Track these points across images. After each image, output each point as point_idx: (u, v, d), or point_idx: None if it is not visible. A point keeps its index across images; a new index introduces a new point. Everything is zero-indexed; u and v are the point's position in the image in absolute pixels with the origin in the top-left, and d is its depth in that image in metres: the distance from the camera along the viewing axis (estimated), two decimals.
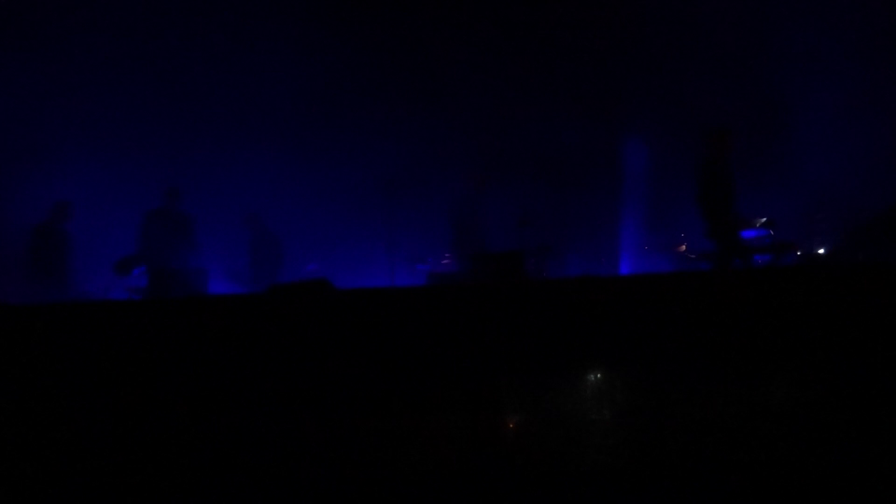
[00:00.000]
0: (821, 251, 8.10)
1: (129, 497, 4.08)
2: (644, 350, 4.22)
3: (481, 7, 9.90)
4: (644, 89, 9.78)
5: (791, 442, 4.03)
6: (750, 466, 4.01)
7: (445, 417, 4.15)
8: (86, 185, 8.87)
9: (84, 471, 4.11)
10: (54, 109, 9.19)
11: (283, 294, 5.35)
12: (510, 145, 10.06)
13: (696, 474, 4.02)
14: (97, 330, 4.41)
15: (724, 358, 4.18)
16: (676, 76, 9.60)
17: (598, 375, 4.21)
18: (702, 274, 7.04)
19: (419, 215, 9.62)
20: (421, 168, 9.72)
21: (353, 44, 9.70)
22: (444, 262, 9.29)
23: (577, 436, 4.13)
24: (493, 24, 9.87)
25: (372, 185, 9.56)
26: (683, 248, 8.71)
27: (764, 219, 8.17)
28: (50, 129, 9.18)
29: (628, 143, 9.80)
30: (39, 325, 4.44)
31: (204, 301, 5.70)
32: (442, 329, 4.32)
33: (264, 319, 4.46)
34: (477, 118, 9.98)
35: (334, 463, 4.12)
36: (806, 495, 3.94)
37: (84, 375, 4.27)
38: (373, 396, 4.21)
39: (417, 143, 9.70)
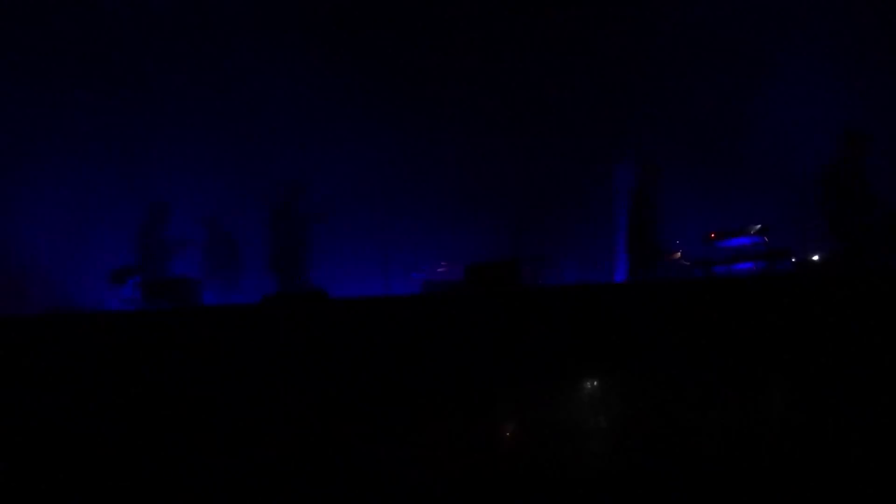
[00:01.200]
0: (815, 258, 8.10)
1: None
2: (641, 357, 4.22)
3: (475, 21, 9.93)
4: (638, 97, 9.80)
5: (788, 447, 4.03)
6: (747, 472, 4.00)
7: (442, 425, 4.14)
8: (80, 195, 8.85)
9: (79, 476, 4.08)
10: (39, 117, 9.11)
11: (278, 304, 5.34)
12: (505, 153, 10.07)
13: (694, 480, 4.01)
14: (92, 340, 4.39)
15: (721, 364, 4.18)
16: (669, 84, 9.63)
17: (595, 383, 4.20)
18: (698, 281, 7.04)
19: (414, 224, 9.62)
20: (417, 177, 9.72)
21: (352, 53, 9.72)
22: (440, 270, 9.28)
23: (573, 443, 4.12)
24: (486, 37, 9.89)
25: (367, 193, 9.57)
26: (678, 255, 8.71)
27: (758, 226, 8.17)
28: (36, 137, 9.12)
29: (623, 151, 9.82)
30: (35, 335, 4.42)
31: (198, 311, 5.68)
32: (438, 338, 4.32)
33: (260, 329, 4.45)
34: (473, 126, 9.99)
35: (331, 470, 4.11)
36: (804, 500, 3.93)
37: (79, 386, 4.25)
38: (369, 405, 4.20)
39: (413, 152, 9.70)
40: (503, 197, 9.72)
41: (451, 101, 9.94)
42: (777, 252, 7.81)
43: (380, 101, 9.79)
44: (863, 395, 4.04)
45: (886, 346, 4.09)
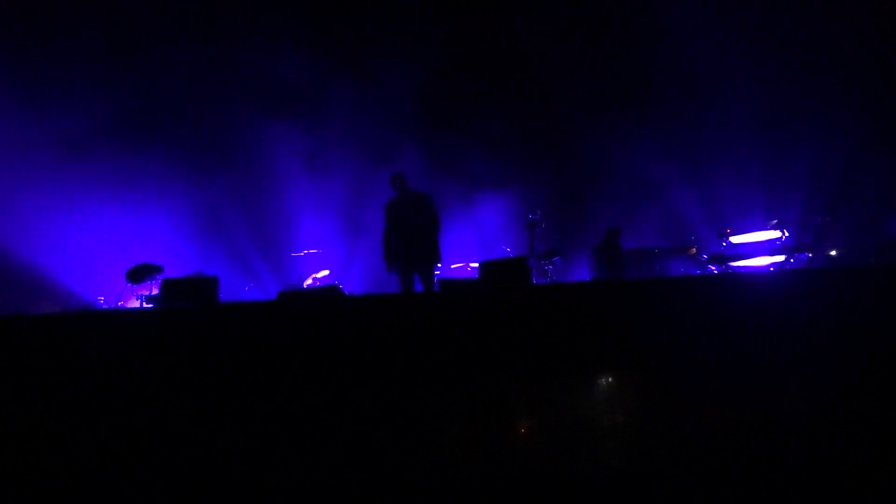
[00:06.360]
0: (833, 253, 8.05)
1: (139, 499, 4.10)
2: (655, 354, 4.21)
3: (503, 16, 9.93)
4: (657, 95, 9.78)
5: (803, 445, 4.00)
6: (761, 470, 3.98)
7: (456, 421, 4.15)
8: (95, 195, 8.93)
9: (96, 473, 4.13)
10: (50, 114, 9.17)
11: (294, 300, 5.37)
12: (525, 150, 10.09)
13: (709, 477, 4.00)
14: (110, 339, 4.43)
15: (736, 361, 4.16)
16: (691, 81, 9.60)
17: (610, 380, 4.19)
18: (713, 277, 7.01)
19: None
20: (434, 175, 9.76)
21: (368, 47, 9.78)
22: (454, 267, 9.30)
23: (588, 440, 4.12)
24: (515, 34, 9.89)
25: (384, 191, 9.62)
26: (694, 250, 8.68)
27: (775, 220, 8.15)
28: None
29: (640, 148, 9.81)
30: (55, 334, 4.47)
31: (215, 309, 5.72)
32: (452, 335, 4.32)
33: (275, 326, 4.47)
34: (492, 125, 10.01)
35: (347, 466, 4.13)
36: (816, 497, 3.91)
37: (98, 383, 4.29)
38: (384, 401, 4.21)
39: (432, 151, 9.74)
40: (519, 194, 9.74)
41: (474, 105, 9.98)
42: (794, 247, 7.78)
43: (403, 102, 9.84)
44: (876, 393, 4.01)
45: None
